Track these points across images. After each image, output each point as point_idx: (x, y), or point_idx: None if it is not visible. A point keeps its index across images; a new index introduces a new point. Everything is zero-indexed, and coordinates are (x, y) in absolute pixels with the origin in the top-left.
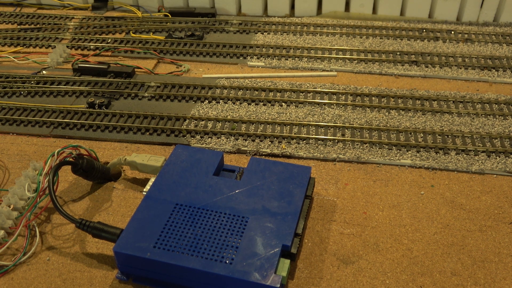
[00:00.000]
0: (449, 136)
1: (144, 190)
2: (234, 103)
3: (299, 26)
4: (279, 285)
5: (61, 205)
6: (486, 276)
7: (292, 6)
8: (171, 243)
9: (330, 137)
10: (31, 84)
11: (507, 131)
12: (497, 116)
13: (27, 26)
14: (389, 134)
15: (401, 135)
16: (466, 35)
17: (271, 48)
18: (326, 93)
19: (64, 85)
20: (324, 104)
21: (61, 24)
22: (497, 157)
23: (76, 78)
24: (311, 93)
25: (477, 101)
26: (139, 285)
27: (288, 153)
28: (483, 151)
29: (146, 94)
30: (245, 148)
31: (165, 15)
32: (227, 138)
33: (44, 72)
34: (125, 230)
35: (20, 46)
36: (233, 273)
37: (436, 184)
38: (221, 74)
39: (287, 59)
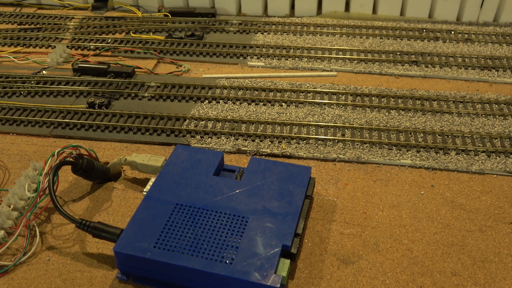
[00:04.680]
0: (449, 136)
1: (144, 190)
2: (234, 103)
3: (299, 26)
4: (279, 285)
5: (61, 205)
6: (486, 276)
7: (292, 6)
8: (171, 243)
9: (330, 137)
10: (31, 84)
11: (507, 131)
12: (497, 116)
13: (27, 26)
14: (389, 134)
15: (401, 135)
16: (466, 35)
17: (271, 48)
18: (326, 93)
19: (64, 85)
20: (324, 104)
21: (61, 24)
22: (497, 157)
23: (76, 78)
24: (311, 93)
25: (477, 101)
26: (139, 285)
27: (288, 153)
28: (483, 151)
29: (146, 94)
30: (245, 148)
31: (165, 15)
32: (227, 138)
33: (44, 72)
34: (125, 230)
35: (20, 46)
36: (233, 273)
37: (436, 184)
38: (221, 74)
39: (287, 59)
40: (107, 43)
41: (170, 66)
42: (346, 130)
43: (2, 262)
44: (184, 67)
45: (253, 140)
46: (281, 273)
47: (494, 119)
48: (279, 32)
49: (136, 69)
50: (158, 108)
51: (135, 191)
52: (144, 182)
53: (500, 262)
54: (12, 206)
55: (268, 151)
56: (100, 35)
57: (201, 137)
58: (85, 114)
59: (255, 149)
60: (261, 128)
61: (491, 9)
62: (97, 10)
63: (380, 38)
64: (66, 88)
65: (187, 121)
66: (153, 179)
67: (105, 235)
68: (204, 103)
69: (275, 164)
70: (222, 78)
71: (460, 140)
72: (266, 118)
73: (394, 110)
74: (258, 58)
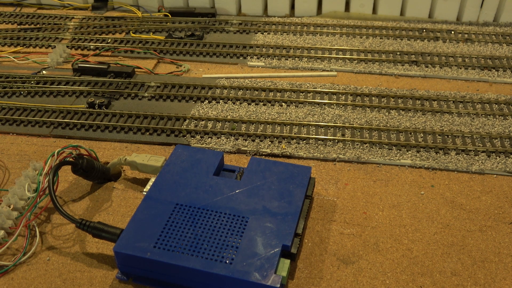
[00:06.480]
0: (449, 136)
1: (144, 190)
2: (234, 103)
3: (299, 26)
4: (279, 285)
5: (61, 205)
6: (486, 276)
7: (292, 6)
8: (171, 243)
9: (330, 137)
10: (31, 84)
11: (507, 131)
12: (497, 116)
13: (27, 26)
14: (389, 134)
15: (401, 135)
16: (466, 35)
17: (271, 48)
18: (326, 93)
19: (64, 85)
20: (324, 104)
21: (61, 24)
22: (497, 157)
23: (76, 78)
24: (311, 93)
25: (477, 101)
26: (139, 285)
27: (288, 153)
28: (483, 151)
29: (146, 94)
30: (245, 148)
31: (165, 15)
32: (227, 138)
33: (44, 72)
34: (125, 230)
35: (20, 46)
36: (233, 273)
37: (436, 184)
38: (221, 74)
39: (287, 59)
40: (107, 43)
41: (170, 66)
42: (346, 130)
43: (2, 262)
44: (184, 67)
45: (253, 140)
46: (281, 273)
47: (494, 119)
48: (279, 32)
49: (136, 69)
50: (158, 108)
51: (135, 191)
52: (144, 182)
53: (500, 262)
54: (12, 206)
55: (268, 151)
56: (100, 35)
57: (201, 137)
58: (85, 114)
59: (255, 149)
60: (261, 128)
61: (491, 9)
62: (97, 10)
63: (380, 38)
64: (66, 88)
65: (187, 121)
66: (153, 179)
67: (105, 235)
68: (204, 103)
69: (275, 164)
70: (222, 78)
71: (460, 140)
72: (266, 118)
73: (394, 110)
74: (258, 58)
